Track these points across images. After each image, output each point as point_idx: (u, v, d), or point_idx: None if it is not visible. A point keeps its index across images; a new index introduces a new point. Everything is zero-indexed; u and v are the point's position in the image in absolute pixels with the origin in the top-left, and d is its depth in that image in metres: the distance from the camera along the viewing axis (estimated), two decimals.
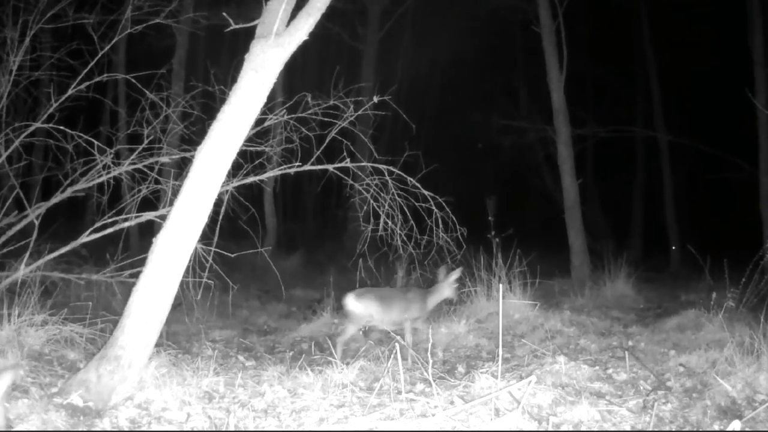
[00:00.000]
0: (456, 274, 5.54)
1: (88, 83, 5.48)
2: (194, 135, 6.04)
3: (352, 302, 5.09)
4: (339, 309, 6.95)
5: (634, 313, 7.48)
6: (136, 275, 4.08)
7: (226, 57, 13.92)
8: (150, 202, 5.77)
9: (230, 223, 5.77)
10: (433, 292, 5.53)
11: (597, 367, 4.69)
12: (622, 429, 3.57)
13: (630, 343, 5.60)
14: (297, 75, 16.41)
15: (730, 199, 17.50)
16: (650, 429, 3.55)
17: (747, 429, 3.49)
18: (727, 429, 3.17)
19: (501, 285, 4.73)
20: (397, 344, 3.85)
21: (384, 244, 5.59)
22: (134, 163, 5.55)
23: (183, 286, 4.62)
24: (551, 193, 16.95)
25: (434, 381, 3.85)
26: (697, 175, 17.13)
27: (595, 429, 3.55)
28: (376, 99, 5.29)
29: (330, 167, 5.30)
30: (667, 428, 3.62)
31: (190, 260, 4.21)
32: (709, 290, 6.22)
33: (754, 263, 6.20)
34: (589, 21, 16.29)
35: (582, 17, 15.14)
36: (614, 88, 18.14)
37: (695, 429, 3.61)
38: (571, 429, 3.53)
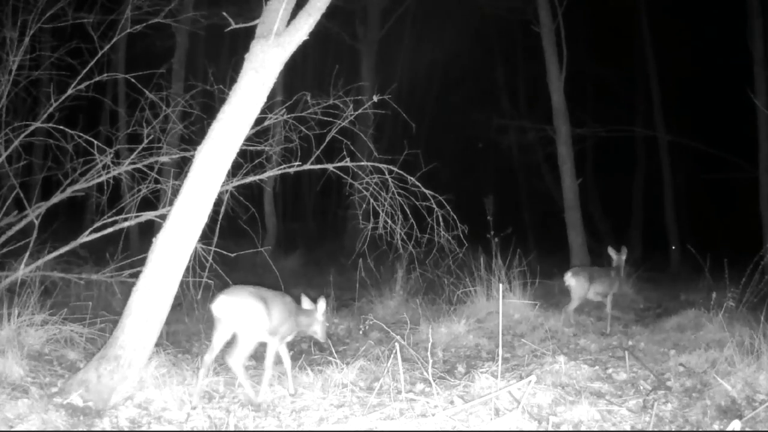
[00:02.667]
0: (624, 254, 6.69)
1: (87, 83, 5.48)
2: (194, 135, 6.04)
3: (569, 278, 6.25)
4: (339, 309, 6.95)
5: (634, 313, 7.49)
6: (136, 275, 4.09)
7: (225, 57, 13.90)
8: (150, 202, 5.76)
9: (230, 223, 5.76)
10: (618, 270, 6.65)
11: (597, 367, 4.69)
12: (622, 429, 3.57)
13: (630, 343, 5.61)
14: (297, 75, 16.39)
15: (730, 199, 17.46)
16: (650, 429, 3.54)
17: (747, 429, 3.49)
18: (727, 429, 3.17)
19: (501, 285, 4.73)
20: (397, 344, 3.85)
21: (384, 243, 5.58)
22: (134, 163, 5.55)
23: (183, 285, 4.62)
24: (551, 193, 16.92)
25: (434, 381, 3.84)
26: (697, 175, 17.07)
27: (595, 429, 3.55)
28: (375, 98, 5.28)
29: (330, 166, 5.29)
30: (667, 428, 3.62)
31: (190, 260, 4.21)
32: (709, 290, 6.21)
33: (754, 263, 6.19)
34: (589, 21, 16.26)
35: (582, 17, 15.10)
36: (614, 88, 18.09)
37: (695, 429, 3.61)
38: (571, 429, 3.53)
